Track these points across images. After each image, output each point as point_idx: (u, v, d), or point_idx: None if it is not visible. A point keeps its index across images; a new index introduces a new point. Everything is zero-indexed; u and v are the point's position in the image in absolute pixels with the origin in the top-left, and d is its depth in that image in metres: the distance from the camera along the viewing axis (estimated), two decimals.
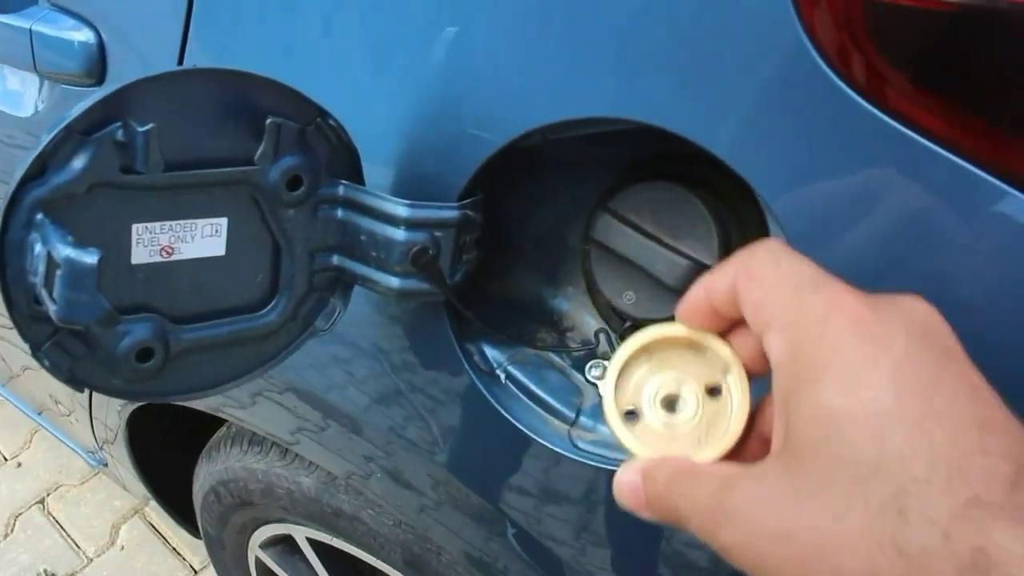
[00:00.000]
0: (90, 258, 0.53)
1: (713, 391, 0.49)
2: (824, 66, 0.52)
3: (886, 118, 0.51)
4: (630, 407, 0.51)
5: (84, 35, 0.94)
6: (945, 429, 0.35)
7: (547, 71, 0.62)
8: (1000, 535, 0.32)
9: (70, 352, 0.60)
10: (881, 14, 0.51)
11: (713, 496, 0.41)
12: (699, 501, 0.42)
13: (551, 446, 0.73)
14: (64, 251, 0.53)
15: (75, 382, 0.62)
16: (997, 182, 0.49)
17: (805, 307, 0.40)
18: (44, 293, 0.55)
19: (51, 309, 0.55)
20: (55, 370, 0.60)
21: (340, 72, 0.74)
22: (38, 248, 0.55)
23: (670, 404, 0.51)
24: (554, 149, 0.68)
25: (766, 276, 0.42)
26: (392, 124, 0.71)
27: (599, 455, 0.72)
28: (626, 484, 0.46)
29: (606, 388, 0.52)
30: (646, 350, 0.52)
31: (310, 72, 0.76)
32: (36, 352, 0.60)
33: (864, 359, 0.37)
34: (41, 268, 0.55)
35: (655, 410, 0.51)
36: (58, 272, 0.53)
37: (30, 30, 0.97)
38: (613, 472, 0.69)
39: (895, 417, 0.36)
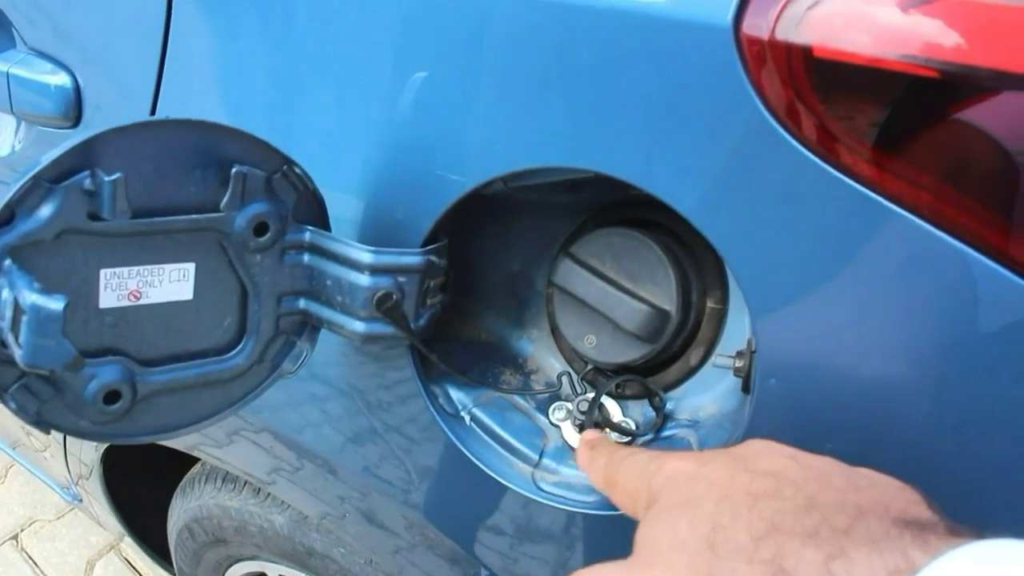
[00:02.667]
0: (56, 304, 0.54)
1: None
2: (773, 122, 0.54)
3: (834, 172, 0.53)
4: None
5: (61, 79, 0.96)
6: (743, 497, 0.43)
7: (508, 121, 0.63)
8: (795, 548, 0.38)
9: (37, 395, 0.61)
10: (826, 72, 0.52)
11: None
12: None
13: (515, 488, 0.74)
14: (30, 297, 0.54)
15: (42, 424, 0.62)
16: (945, 236, 0.51)
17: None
18: (11, 338, 0.56)
19: (17, 354, 0.55)
20: (22, 413, 0.61)
21: (307, 119, 0.76)
22: (5, 294, 0.56)
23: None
24: (518, 194, 0.70)
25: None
26: (359, 170, 0.73)
27: (562, 496, 0.73)
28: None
29: None
30: None
31: (278, 120, 0.78)
32: (3, 394, 0.60)
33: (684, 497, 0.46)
34: (8, 313, 0.55)
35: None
36: (24, 318, 0.54)
37: (7, 73, 0.99)
38: (576, 513, 0.71)
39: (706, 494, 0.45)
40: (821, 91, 0.53)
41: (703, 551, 0.41)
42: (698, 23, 0.54)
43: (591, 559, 0.75)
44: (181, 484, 1.40)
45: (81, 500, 1.72)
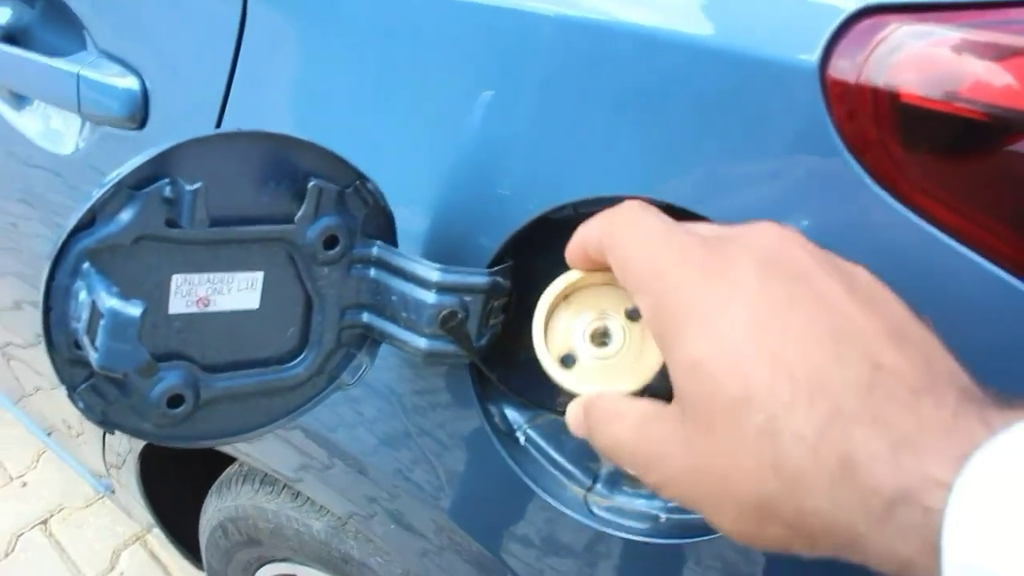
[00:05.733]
0: (134, 310, 0.55)
1: (633, 314, 0.53)
2: (854, 163, 0.54)
3: (913, 217, 0.53)
4: (565, 352, 0.55)
5: (129, 82, 0.97)
6: (801, 350, 0.38)
7: (584, 148, 0.64)
8: (861, 439, 0.35)
9: (104, 396, 0.62)
10: (911, 116, 0.52)
11: (632, 436, 0.45)
12: (621, 440, 0.46)
13: (567, 511, 0.74)
14: (108, 302, 0.55)
15: (107, 424, 0.63)
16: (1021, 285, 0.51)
17: (659, 266, 0.43)
18: (86, 340, 0.57)
19: (92, 356, 0.56)
20: (89, 412, 0.62)
21: (379, 134, 0.76)
22: (83, 296, 0.57)
23: (602, 339, 0.54)
24: (586, 219, 0.70)
25: (625, 239, 0.47)
26: (428, 187, 0.73)
27: (615, 522, 0.73)
28: (573, 418, 0.51)
29: (536, 340, 0.55)
30: (564, 298, 0.56)
31: (349, 132, 0.79)
32: (72, 394, 0.61)
33: (716, 304, 0.40)
34: (84, 315, 0.56)
35: (588, 348, 0.55)
36: (102, 322, 0.55)
37: (78, 75, 1.00)
38: (628, 540, 0.71)
39: (753, 351, 0.38)
40: (905, 135, 0.53)
41: (765, 440, 0.37)
42: (784, 63, 0.54)
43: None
44: (217, 482, 1.41)
45: (114, 491, 1.74)
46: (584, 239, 0.51)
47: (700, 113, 0.58)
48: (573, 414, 0.51)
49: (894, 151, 0.53)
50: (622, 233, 0.47)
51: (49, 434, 1.93)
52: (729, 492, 0.39)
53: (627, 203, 0.49)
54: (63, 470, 2.37)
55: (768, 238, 0.43)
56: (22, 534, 2.35)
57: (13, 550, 2.30)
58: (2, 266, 1.46)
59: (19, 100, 1.20)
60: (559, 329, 0.56)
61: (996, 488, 0.31)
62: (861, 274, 0.43)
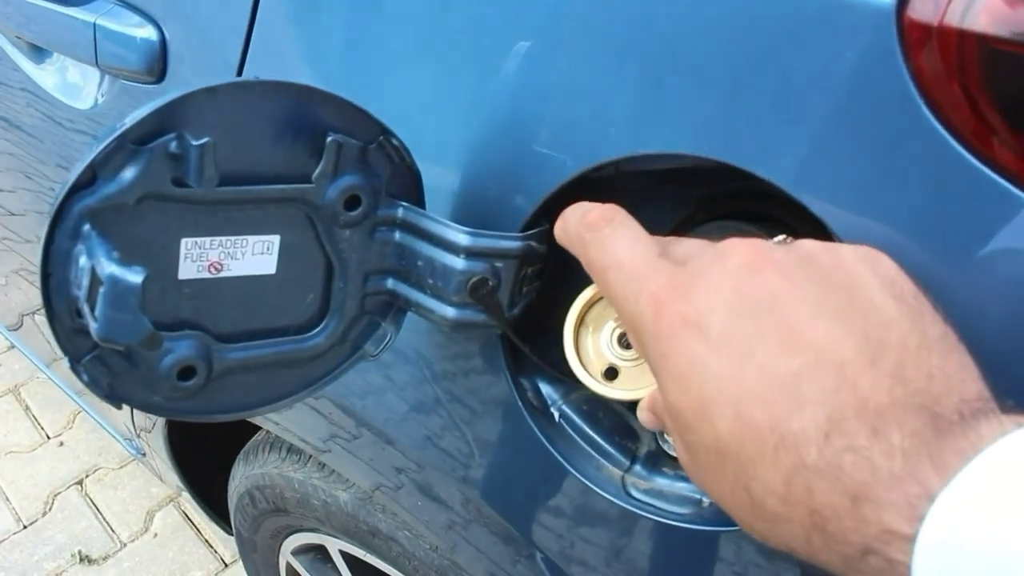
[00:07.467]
0: (135, 277, 0.50)
1: None
2: (931, 116, 0.47)
3: (996, 177, 0.46)
4: (605, 367, 0.59)
5: (147, 32, 0.93)
6: (763, 399, 0.38)
7: (629, 101, 0.58)
8: (823, 494, 0.36)
9: (110, 367, 0.58)
10: (1003, 64, 0.46)
11: None
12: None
13: (602, 493, 0.69)
14: (108, 268, 0.50)
15: (114, 398, 0.60)
16: None
17: (635, 316, 0.44)
18: (86, 308, 0.53)
19: (92, 326, 0.52)
20: (94, 385, 0.58)
21: (404, 87, 0.71)
22: (83, 261, 0.53)
23: (628, 340, 0.58)
24: (625, 182, 0.64)
25: (605, 274, 0.49)
26: (458, 144, 0.68)
27: (653, 506, 0.68)
28: (646, 422, 0.55)
29: (579, 373, 0.60)
30: (580, 322, 0.60)
31: (374, 84, 0.73)
32: (75, 365, 0.58)
33: (686, 357, 0.41)
34: (85, 282, 0.52)
35: (621, 352, 0.59)
36: (101, 289, 0.51)
37: (94, 24, 0.96)
38: (667, 525, 0.66)
39: (719, 404, 0.39)
40: (993, 86, 0.46)
41: (740, 490, 0.39)
42: (854, 2, 0.48)
43: (667, 568, 0.71)
44: (245, 449, 1.38)
45: (144, 454, 1.73)
46: (565, 237, 0.54)
47: (755, 59, 0.52)
48: (644, 419, 0.54)
49: (980, 105, 0.47)
50: (601, 264, 0.49)
51: (80, 395, 1.93)
52: (732, 515, 0.42)
53: (604, 230, 0.51)
54: (98, 430, 2.37)
55: (733, 269, 0.43)
56: (59, 493, 2.37)
57: (50, 509, 2.32)
58: (39, 231, 1.44)
59: (39, 53, 1.16)
60: (589, 350, 0.60)
61: (956, 543, 0.32)
62: (840, 273, 0.42)
